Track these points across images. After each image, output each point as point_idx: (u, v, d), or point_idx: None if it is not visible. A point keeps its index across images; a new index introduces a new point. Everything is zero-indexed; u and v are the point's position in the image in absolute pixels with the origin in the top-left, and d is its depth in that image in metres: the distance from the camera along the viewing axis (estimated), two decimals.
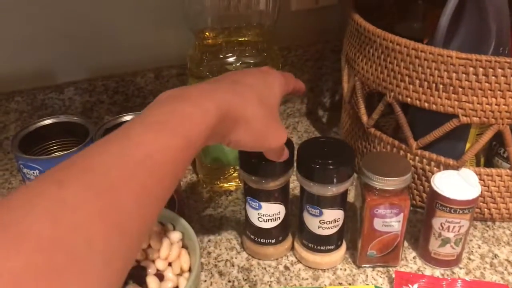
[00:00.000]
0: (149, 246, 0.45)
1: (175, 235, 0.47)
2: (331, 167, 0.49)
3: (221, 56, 0.60)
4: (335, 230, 0.53)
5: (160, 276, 0.44)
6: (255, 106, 0.39)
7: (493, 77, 0.52)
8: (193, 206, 0.66)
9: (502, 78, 0.52)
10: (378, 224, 0.53)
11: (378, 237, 0.54)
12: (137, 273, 0.43)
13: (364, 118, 0.66)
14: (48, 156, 0.58)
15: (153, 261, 0.45)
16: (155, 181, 0.31)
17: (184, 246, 0.48)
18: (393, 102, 0.60)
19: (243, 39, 0.62)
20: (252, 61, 0.61)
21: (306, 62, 0.81)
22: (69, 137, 0.60)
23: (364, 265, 0.56)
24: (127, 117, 0.59)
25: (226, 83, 0.40)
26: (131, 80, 0.72)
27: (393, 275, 0.54)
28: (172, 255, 0.45)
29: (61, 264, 0.24)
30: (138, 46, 0.72)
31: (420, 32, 0.74)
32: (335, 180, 0.50)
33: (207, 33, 0.61)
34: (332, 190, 0.50)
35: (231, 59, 0.60)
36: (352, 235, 0.59)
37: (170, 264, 0.46)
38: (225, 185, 0.69)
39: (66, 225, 0.25)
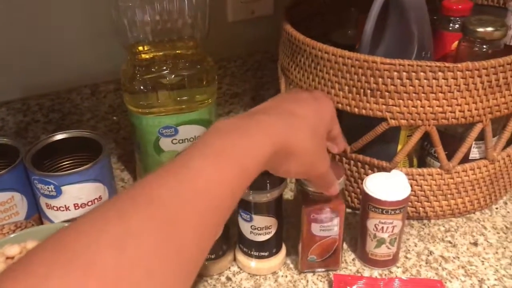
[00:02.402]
0: None
1: None
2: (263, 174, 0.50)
3: (153, 70, 0.60)
4: (267, 237, 0.54)
5: None
6: (308, 141, 0.40)
7: (416, 81, 0.54)
8: None
9: (425, 81, 0.54)
10: (315, 229, 0.54)
11: (317, 241, 0.54)
12: None
13: None
14: None
15: None
16: (212, 211, 0.32)
17: None
18: None
19: (176, 52, 0.62)
20: (186, 73, 0.61)
21: (246, 72, 0.82)
22: None
23: (306, 270, 0.57)
24: (59, 136, 0.58)
25: (281, 114, 0.40)
26: (66, 98, 0.71)
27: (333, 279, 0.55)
28: None
29: None
30: (72, 62, 0.71)
31: (354, 38, 0.76)
32: (268, 186, 0.50)
33: (139, 47, 0.61)
34: (266, 196, 0.51)
35: (164, 73, 0.60)
36: (295, 242, 0.60)
37: None
38: None
39: (129, 257, 0.26)
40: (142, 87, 0.60)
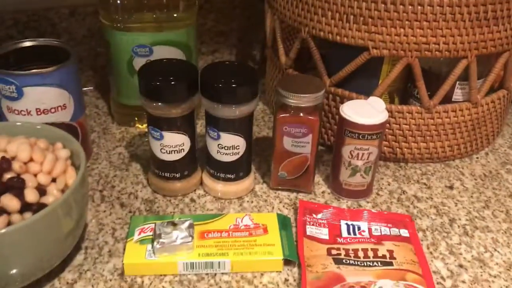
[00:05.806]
0: (31, 159, 0.43)
1: (62, 152, 0.45)
2: (231, 86, 0.48)
3: None
4: (234, 158, 0.52)
5: (41, 190, 0.41)
6: None
7: (401, 6, 0.52)
8: (104, 144, 0.64)
9: (410, 7, 0.52)
10: (287, 143, 0.52)
11: (288, 157, 0.53)
12: (16, 185, 0.41)
13: (283, 58, 0.65)
14: None
15: (35, 175, 0.42)
16: None
17: (74, 166, 0.45)
18: (307, 38, 0.59)
19: None
20: None
21: (234, 10, 0.79)
22: None
23: (277, 187, 0.56)
24: (27, 43, 0.56)
25: None
26: (43, 15, 0.68)
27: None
28: (56, 170, 0.43)
29: None
30: None
31: None
32: (235, 100, 0.48)
33: None
34: (234, 112, 0.49)
35: None
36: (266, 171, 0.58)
37: (55, 180, 0.43)
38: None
39: None
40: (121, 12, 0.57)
